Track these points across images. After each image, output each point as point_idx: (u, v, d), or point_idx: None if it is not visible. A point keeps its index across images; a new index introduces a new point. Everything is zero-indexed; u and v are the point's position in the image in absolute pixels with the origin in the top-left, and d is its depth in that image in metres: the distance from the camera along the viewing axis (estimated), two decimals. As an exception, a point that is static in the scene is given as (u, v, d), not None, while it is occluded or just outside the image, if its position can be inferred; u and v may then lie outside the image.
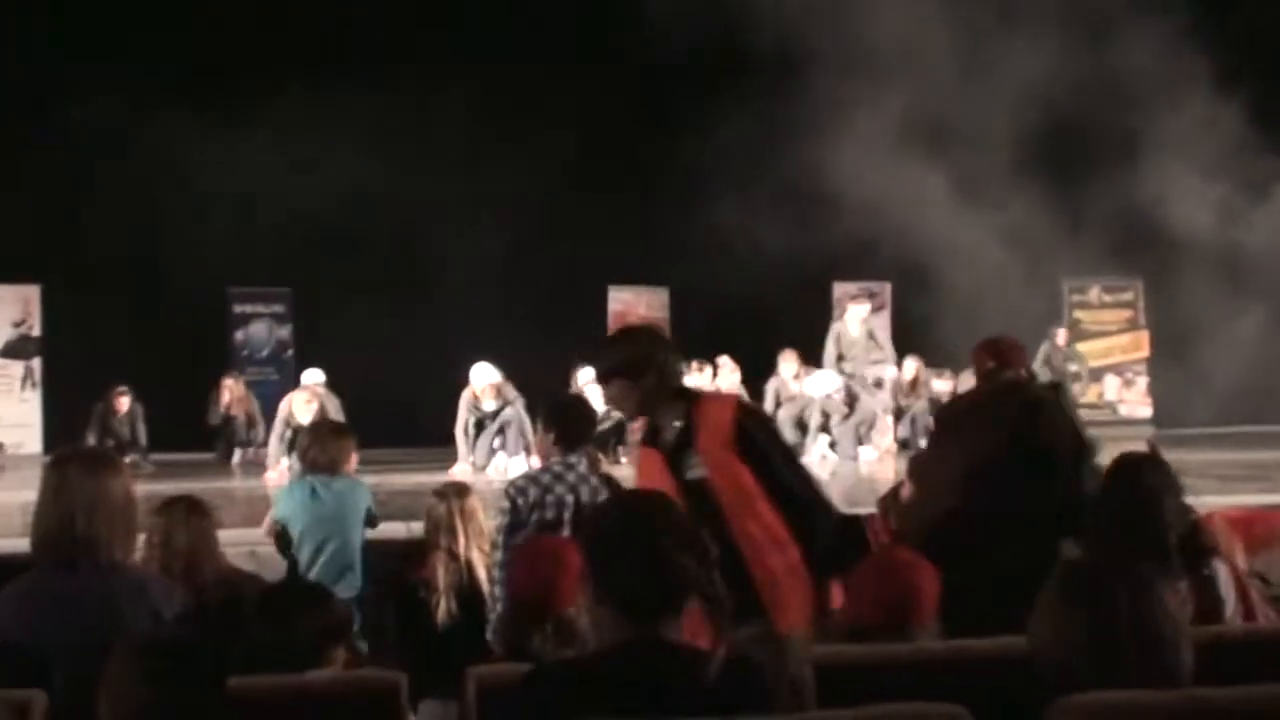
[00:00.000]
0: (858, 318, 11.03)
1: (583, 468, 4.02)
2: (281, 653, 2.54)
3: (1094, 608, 1.99)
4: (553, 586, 3.10)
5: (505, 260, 11.80)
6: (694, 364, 10.28)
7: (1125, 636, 1.99)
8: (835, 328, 10.99)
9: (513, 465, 9.43)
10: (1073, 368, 12.93)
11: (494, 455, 9.92)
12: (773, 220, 11.37)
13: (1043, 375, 11.52)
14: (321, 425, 5.78)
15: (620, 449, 10.39)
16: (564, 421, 4.08)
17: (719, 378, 10.84)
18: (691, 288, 12.82)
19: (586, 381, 10.30)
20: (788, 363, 11.12)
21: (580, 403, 4.47)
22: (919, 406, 11.71)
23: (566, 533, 3.80)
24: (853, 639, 2.71)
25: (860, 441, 10.74)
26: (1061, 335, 13.21)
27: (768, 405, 10.64)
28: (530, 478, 4.10)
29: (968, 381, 9.21)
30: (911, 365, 11.82)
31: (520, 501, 3.97)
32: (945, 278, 11.74)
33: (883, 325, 13.13)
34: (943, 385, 11.46)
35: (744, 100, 11.18)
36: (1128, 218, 12.41)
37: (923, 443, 10.74)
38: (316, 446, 4.85)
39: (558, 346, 10.71)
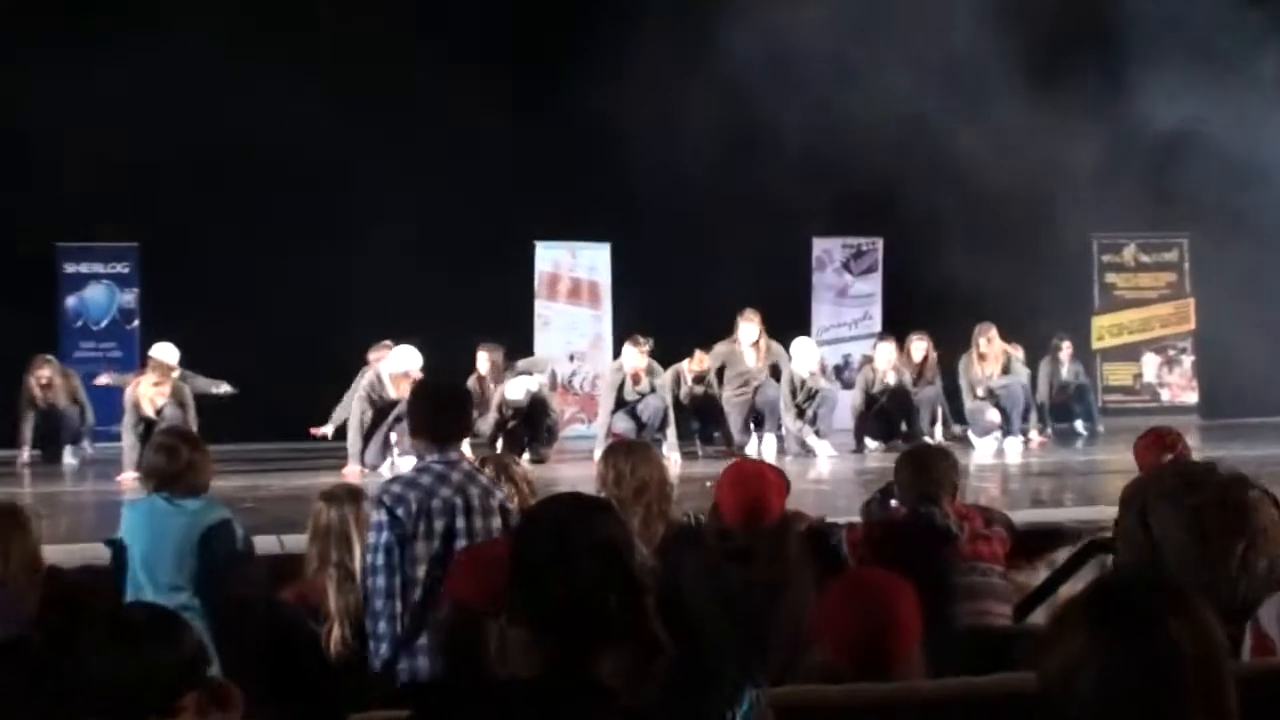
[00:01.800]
0: (749, 339, 11.19)
1: (467, 465, 4.08)
2: (121, 696, 2.48)
3: (1142, 637, 1.87)
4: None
5: (411, 213, 11.60)
6: (640, 341, 10.58)
7: (1187, 675, 1.86)
8: (722, 349, 11.13)
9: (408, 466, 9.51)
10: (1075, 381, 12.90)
11: (388, 454, 10.00)
12: (739, 165, 11.67)
13: (1043, 394, 12.23)
14: (171, 431, 5.67)
15: (545, 447, 10.59)
16: (433, 412, 4.09)
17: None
18: (640, 244, 12.94)
19: (487, 368, 10.73)
20: (748, 324, 11.21)
21: (453, 390, 4.49)
22: (929, 393, 11.91)
23: (462, 543, 3.85)
24: (826, 679, 2.75)
25: (818, 433, 10.98)
26: (1067, 350, 13.15)
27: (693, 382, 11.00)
28: (407, 481, 4.08)
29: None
30: (921, 345, 11.99)
31: (400, 511, 3.96)
32: (947, 232, 11.89)
33: (871, 289, 13.79)
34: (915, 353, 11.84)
35: (698, 29, 11.33)
36: (1171, 161, 12.37)
37: (937, 435, 11.33)
38: (162, 455, 4.81)
39: (478, 316, 10.98)
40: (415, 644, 3.89)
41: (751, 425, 11.18)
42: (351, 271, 11.57)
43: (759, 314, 11.23)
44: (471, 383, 10.45)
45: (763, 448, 10.90)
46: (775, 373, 11.23)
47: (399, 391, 9.54)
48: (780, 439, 11.13)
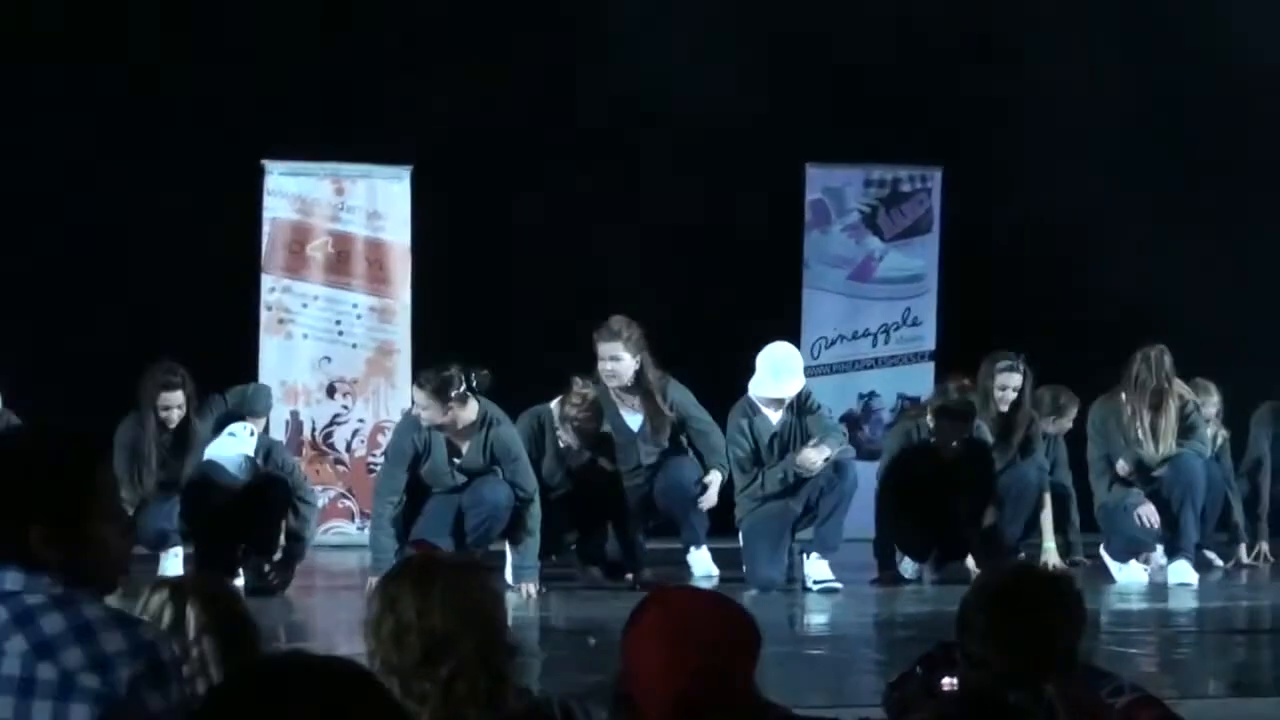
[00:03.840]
0: (617, 377, 11.07)
1: (40, 598, 3.71)
2: None
3: None
4: None
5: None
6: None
7: None
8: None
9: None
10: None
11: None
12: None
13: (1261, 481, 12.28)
14: None
15: (279, 565, 10.46)
16: None
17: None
18: (459, 172, 13.10)
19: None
20: (611, 345, 11.02)
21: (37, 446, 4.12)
22: (1028, 473, 11.39)
23: None
24: None
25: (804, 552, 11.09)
26: None
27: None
28: None
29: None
30: (1011, 377, 11.51)
31: None
32: (1069, 163, 12.86)
33: (920, 266, 13.92)
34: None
35: None
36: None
37: (1047, 555, 11.44)
38: None
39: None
40: None
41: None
42: None
43: (634, 325, 11.10)
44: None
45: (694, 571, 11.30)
46: (677, 434, 11.31)
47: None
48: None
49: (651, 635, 4.12)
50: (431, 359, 10.90)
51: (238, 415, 10.87)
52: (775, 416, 10.91)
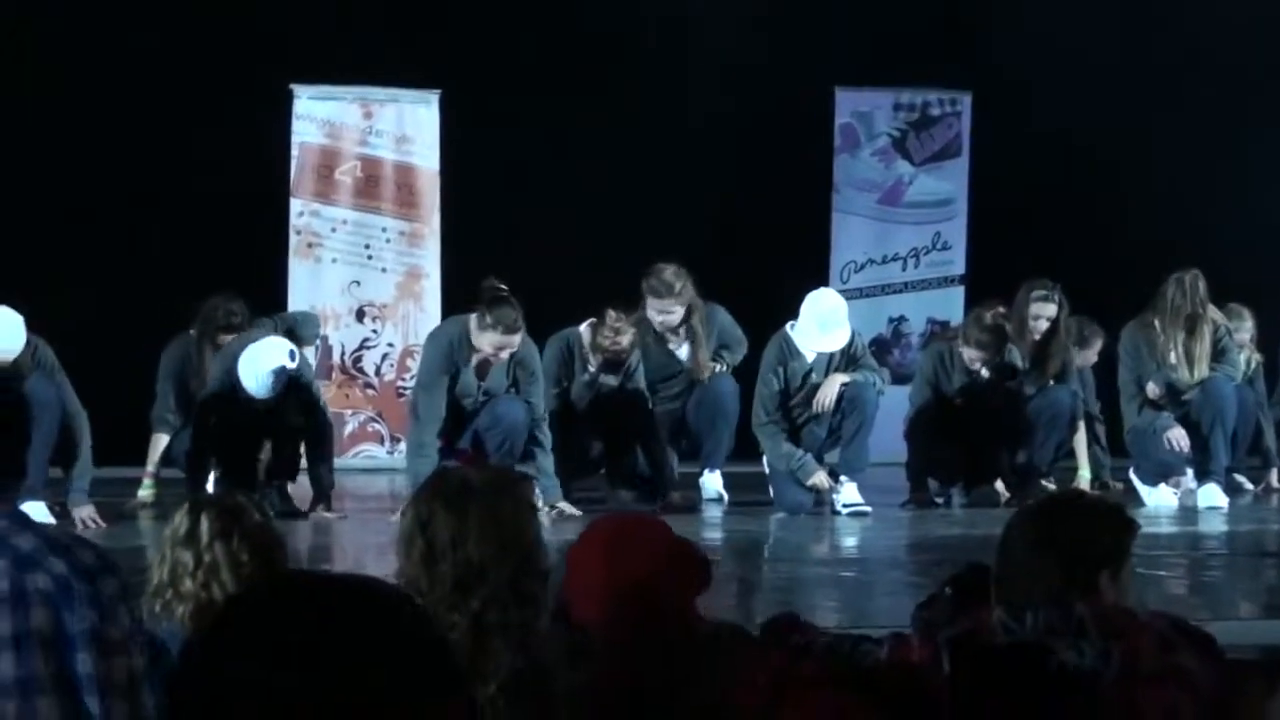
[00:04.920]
0: (666, 319, 11.16)
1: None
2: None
3: None
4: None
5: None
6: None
7: None
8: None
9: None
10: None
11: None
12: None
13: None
14: None
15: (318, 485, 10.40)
16: None
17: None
18: (487, 95, 13.06)
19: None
20: (663, 299, 11.30)
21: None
22: (1060, 397, 11.35)
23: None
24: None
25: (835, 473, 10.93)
26: None
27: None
28: None
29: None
30: (1046, 306, 11.43)
31: None
32: (1102, 84, 12.91)
33: (950, 190, 13.93)
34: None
35: None
36: None
37: (1081, 478, 11.52)
38: None
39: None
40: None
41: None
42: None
43: (684, 276, 11.01)
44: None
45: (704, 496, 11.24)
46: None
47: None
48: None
49: (594, 552, 4.26)
50: (477, 290, 10.57)
51: (276, 332, 10.77)
52: (812, 356, 10.91)
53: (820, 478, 10.54)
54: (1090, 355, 12.11)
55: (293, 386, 10.26)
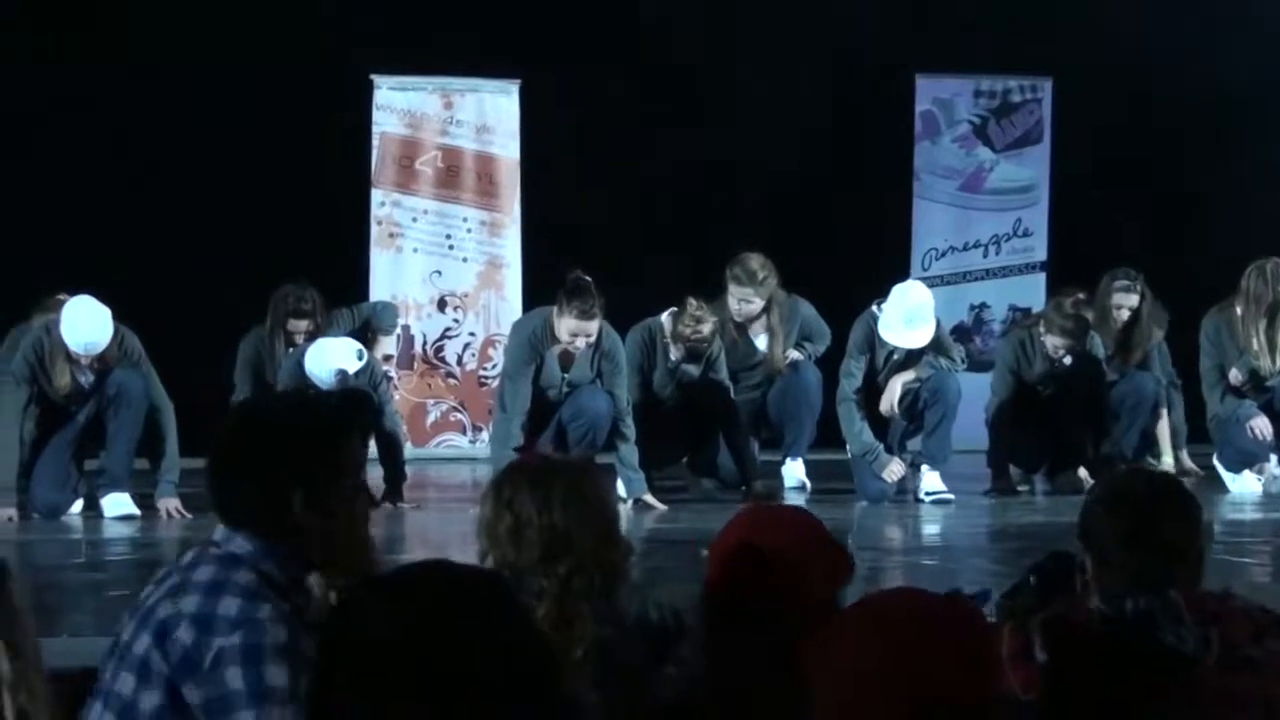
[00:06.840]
0: (747, 310, 11.11)
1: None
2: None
3: None
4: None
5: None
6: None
7: None
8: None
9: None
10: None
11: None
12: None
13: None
14: None
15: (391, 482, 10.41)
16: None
17: None
18: (568, 85, 12.98)
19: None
20: (744, 287, 11.12)
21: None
22: (1143, 384, 11.39)
23: None
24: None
25: (915, 462, 11.00)
26: None
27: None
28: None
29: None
30: (1128, 296, 11.54)
31: None
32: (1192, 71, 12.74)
33: (1030, 177, 13.92)
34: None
35: None
36: None
37: (1163, 464, 11.62)
38: None
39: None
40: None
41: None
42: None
43: (769, 267, 10.95)
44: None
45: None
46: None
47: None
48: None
49: (736, 535, 4.23)
50: (558, 279, 10.53)
51: (363, 331, 10.91)
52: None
53: (894, 470, 10.52)
54: (1158, 334, 12.00)
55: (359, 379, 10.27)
